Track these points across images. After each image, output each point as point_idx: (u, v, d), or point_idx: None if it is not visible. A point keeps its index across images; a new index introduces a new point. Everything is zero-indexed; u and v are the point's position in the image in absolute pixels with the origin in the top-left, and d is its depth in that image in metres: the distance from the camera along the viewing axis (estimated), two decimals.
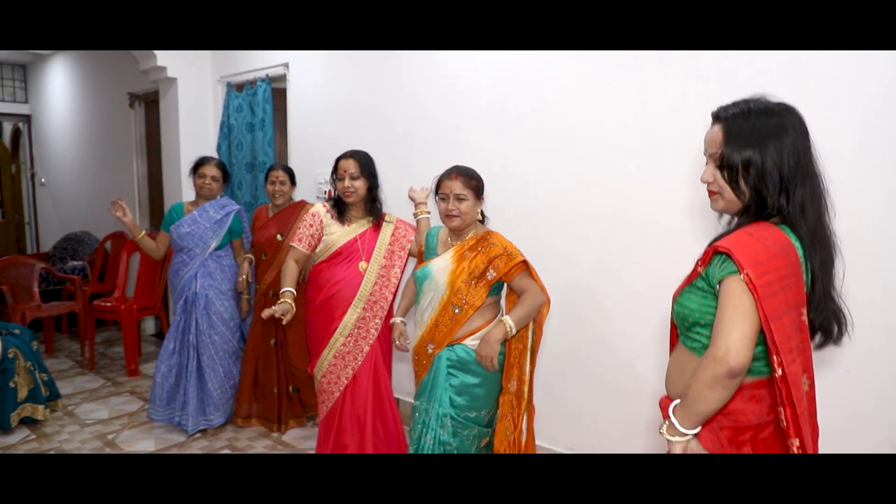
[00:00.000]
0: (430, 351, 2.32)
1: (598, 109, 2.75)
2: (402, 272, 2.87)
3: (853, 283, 2.13)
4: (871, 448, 2.12)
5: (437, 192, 2.33)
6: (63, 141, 7.10)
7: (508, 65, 3.06)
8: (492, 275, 2.21)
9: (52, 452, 3.20)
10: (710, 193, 1.39)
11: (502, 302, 2.43)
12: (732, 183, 1.32)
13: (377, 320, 2.81)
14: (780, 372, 1.23)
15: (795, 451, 1.25)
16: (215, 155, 4.83)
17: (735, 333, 1.21)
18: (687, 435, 1.29)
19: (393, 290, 2.84)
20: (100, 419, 3.64)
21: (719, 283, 1.27)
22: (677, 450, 1.31)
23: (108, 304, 4.61)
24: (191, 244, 3.37)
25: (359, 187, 2.76)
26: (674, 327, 1.49)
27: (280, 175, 3.48)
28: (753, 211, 1.31)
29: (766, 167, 1.27)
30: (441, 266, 2.30)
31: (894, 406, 2.11)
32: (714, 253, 1.29)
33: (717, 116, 1.36)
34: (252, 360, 3.56)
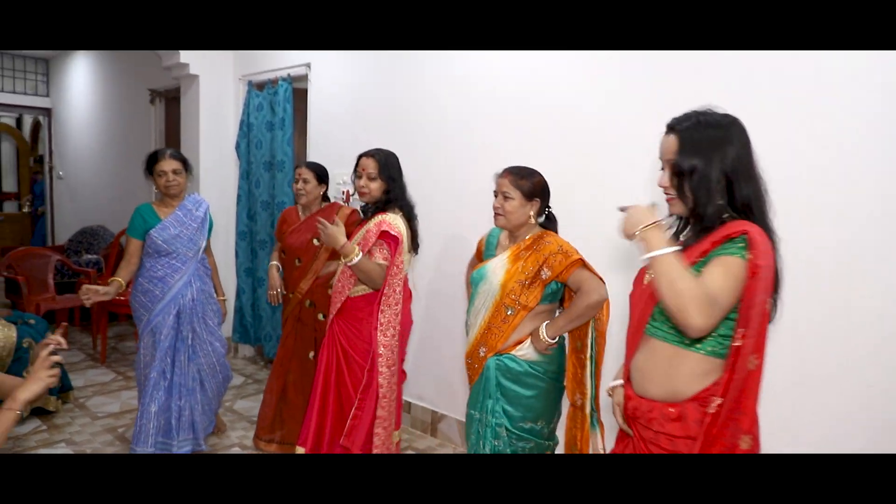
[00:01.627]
0: (482, 354, 2.26)
1: (618, 108, 2.73)
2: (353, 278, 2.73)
3: (854, 288, 2.11)
4: (867, 448, 2.11)
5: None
6: (82, 135, 7.16)
7: (527, 63, 3.05)
8: (546, 274, 2.15)
9: (62, 444, 3.20)
10: (668, 199, 1.53)
11: (558, 312, 2.35)
12: (679, 188, 1.48)
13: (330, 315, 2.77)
14: (738, 343, 1.37)
15: (716, 408, 1.37)
16: (234, 153, 4.85)
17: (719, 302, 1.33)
18: None
19: (346, 292, 2.70)
20: (111, 412, 3.64)
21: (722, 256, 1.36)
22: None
23: (122, 298, 4.61)
24: (181, 248, 3.03)
25: (374, 188, 2.67)
26: (639, 325, 1.54)
27: (304, 172, 3.16)
28: (700, 215, 1.45)
29: (709, 174, 1.43)
30: (496, 266, 2.25)
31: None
32: (724, 240, 1.38)
33: (673, 128, 1.50)
34: (280, 377, 3.21)
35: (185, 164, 3.13)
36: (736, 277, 1.34)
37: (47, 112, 8.01)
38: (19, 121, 9.83)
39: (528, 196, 2.22)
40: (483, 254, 2.42)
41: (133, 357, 4.91)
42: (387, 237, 2.61)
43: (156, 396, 2.96)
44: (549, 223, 2.32)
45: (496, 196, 2.25)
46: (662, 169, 1.53)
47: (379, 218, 2.65)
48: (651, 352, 1.51)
